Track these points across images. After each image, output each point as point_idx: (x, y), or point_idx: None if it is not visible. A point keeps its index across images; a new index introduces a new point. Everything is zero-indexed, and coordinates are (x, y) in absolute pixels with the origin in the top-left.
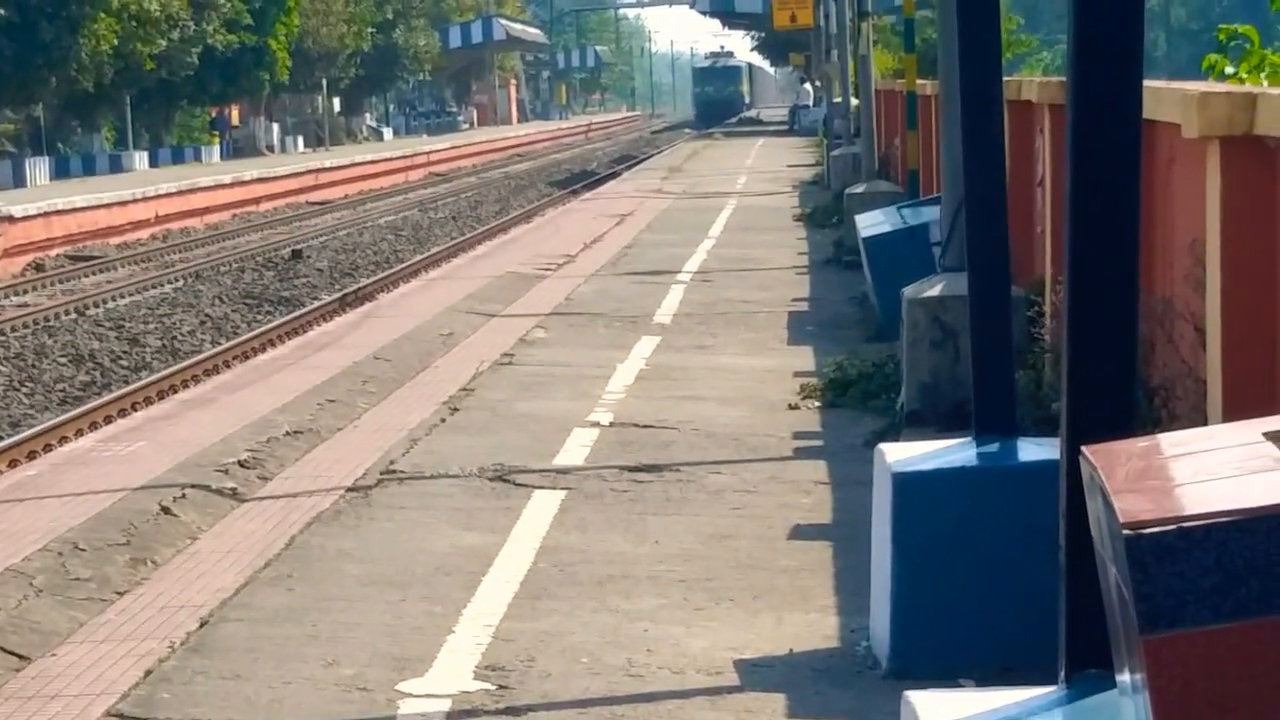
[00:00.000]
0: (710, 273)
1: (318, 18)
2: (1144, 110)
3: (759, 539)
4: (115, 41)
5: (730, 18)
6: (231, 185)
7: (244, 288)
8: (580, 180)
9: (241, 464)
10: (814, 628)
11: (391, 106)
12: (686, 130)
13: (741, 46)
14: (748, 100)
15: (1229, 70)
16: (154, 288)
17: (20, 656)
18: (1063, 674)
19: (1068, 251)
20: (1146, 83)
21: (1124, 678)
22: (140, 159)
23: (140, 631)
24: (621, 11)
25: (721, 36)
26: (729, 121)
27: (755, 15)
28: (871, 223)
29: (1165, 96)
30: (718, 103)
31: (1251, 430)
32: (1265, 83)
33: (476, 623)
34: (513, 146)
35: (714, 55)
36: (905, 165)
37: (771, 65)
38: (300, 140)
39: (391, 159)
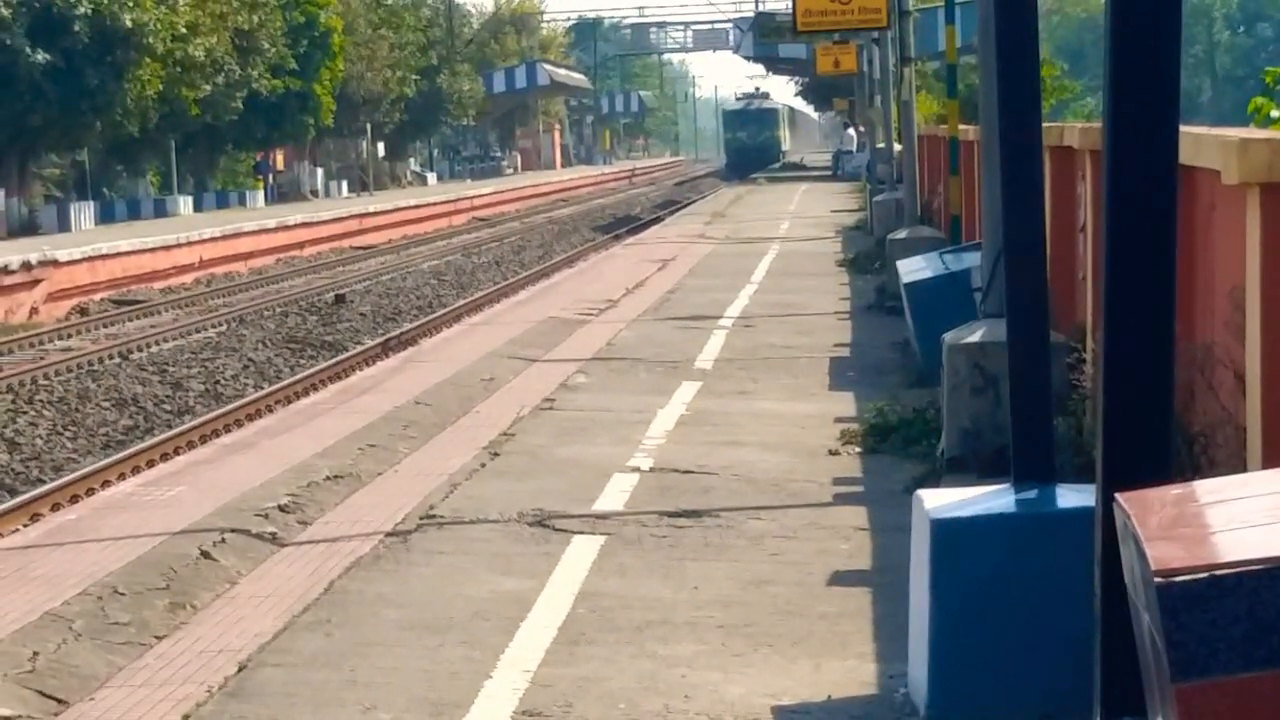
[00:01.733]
0: (752, 318)
1: (362, 63)
2: (1184, 156)
3: (798, 585)
4: (160, 86)
5: (774, 63)
6: (275, 230)
7: (287, 332)
8: (624, 225)
9: (281, 508)
10: (852, 674)
11: (435, 151)
12: (712, 180)
13: (785, 91)
14: (785, 146)
15: (1275, 114)
16: (197, 332)
17: (59, 700)
18: None
19: (1105, 297)
20: (1187, 129)
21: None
22: (185, 203)
23: (178, 676)
24: (666, 57)
25: (760, 79)
26: (767, 170)
27: (799, 60)
28: (913, 268)
29: (1206, 143)
30: (751, 150)
31: None
32: None
33: (514, 668)
34: (556, 191)
35: (747, 96)
36: (948, 211)
37: (815, 110)
38: (344, 185)
39: (435, 204)
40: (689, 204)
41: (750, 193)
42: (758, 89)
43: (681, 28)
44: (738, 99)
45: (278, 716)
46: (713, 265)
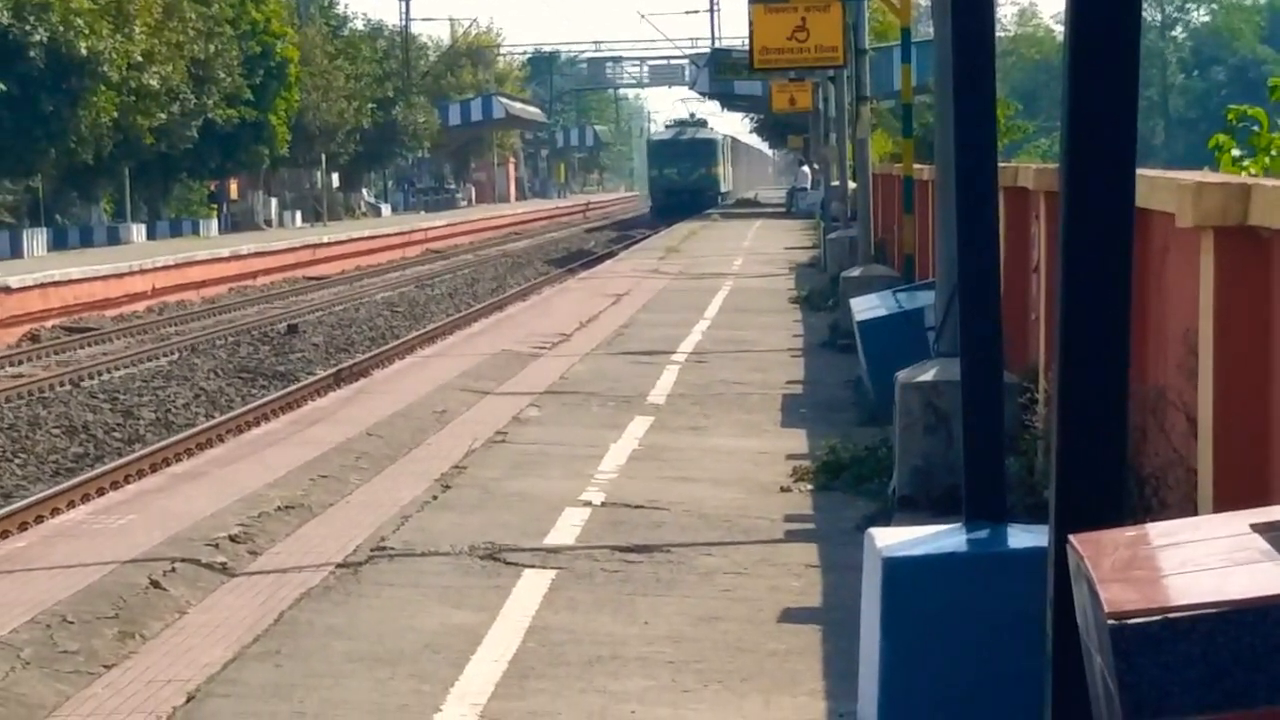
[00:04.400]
0: (705, 354)
1: (318, 93)
2: (1139, 199)
3: (748, 621)
4: (115, 114)
5: (729, 99)
6: (228, 259)
7: (239, 362)
8: (577, 259)
9: (232, 538)
10: (802, 711)
11: (390, 183)
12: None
13: (740, 126)
14: (725, 186)
15: (1236, 152)
16: (149, 360)
17: None
18: None
19: (1058, 338)
20: (1142, 171)
21: None
22: (138, 231)
23: (126, 706)
24: (622, 92)
25: (716, 116)
26: (708, 212)
27: (754, 97)
28: (867, 306)
29: (1160, 185)
30: (681, 191)
31: (1239, 521)
32: (1260, 171)
33: (464, 701)
34: (510, 225)
35: (678, 124)
36: (902, 250)
37: (770, 147)
38: (298, 215)
39: (389, 235)
40: (644, 239)
41: (704, 228)
42: (692, 115)
43: (637, 63)
44: (667, 126)
45: None
46: (666, 300)
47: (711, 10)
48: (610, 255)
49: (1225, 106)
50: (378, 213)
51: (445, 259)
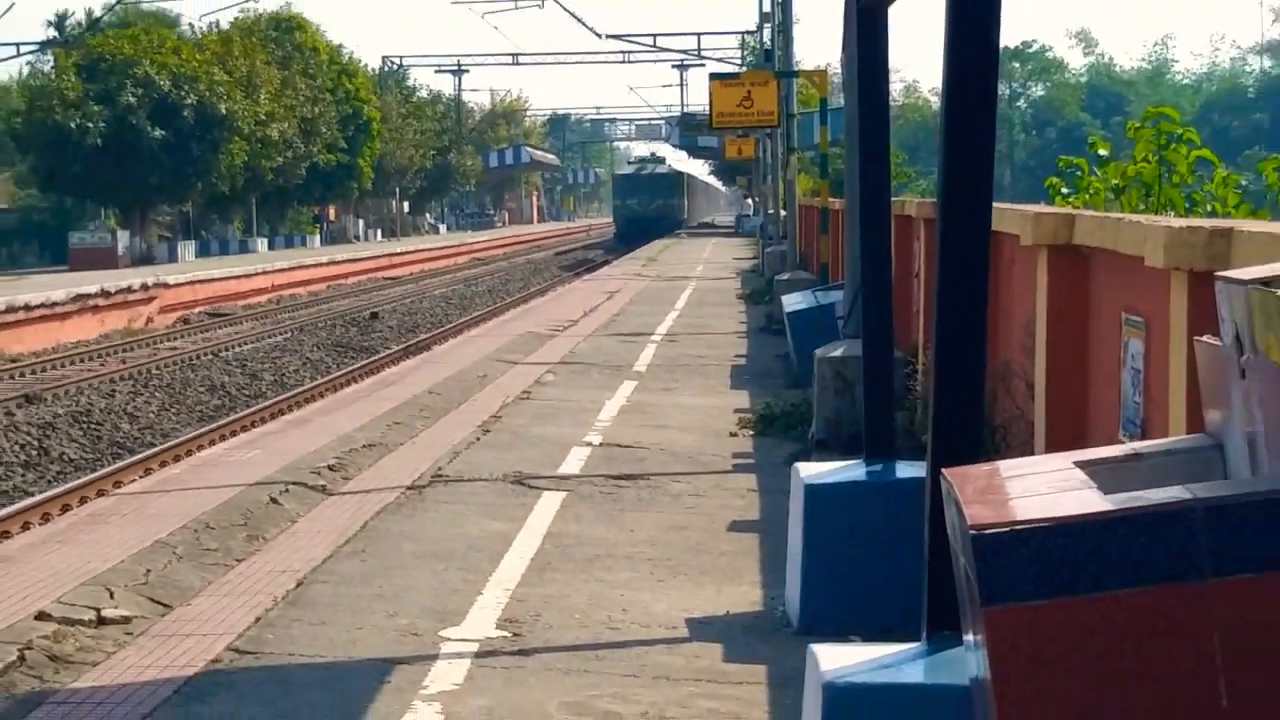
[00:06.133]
0: (675, 335)
1: (393, 143)
2: (994, 224)
3: (706, 530)
4: (245, 158)
5: (693, 150)
6: (327, 264)
7: (335, 339)
8: (582, 266)
9: (329, 468)
10: (745, 596)
11: (445, 209)
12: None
13: (702, 170)
14: (684, 215)
15: (1064, 190)
16: (269, 337)
17: (165, 605)
18: (925, 634)
19: (934, 325)
20: (996, 205)
21: (969, 637)
22: (261, 243)
23: (253, 589)
24: (616, 143)
25: (683, 163)
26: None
27: (712, 148)
28: (793, 301)
29: (1009, 215)
30: (643, 220)
31: (1065, 460)
32: (1081, 205)
33: (499, 587)
34: (533, 241)
35: (640, 161)
36: (819, 260)
37: (724, 184)
38: (379, 232)
39: (444, 247)
40: (630, 251)
41: (675, 244)
42: (652, 154)
43: (627, 123)
44: (630, 163)
45: (325, 620)
46: (647, 296)
47: (681, 85)
48: (606, 263)
49: (1057, 157)
50: (436, 231)
51: (485, 265)
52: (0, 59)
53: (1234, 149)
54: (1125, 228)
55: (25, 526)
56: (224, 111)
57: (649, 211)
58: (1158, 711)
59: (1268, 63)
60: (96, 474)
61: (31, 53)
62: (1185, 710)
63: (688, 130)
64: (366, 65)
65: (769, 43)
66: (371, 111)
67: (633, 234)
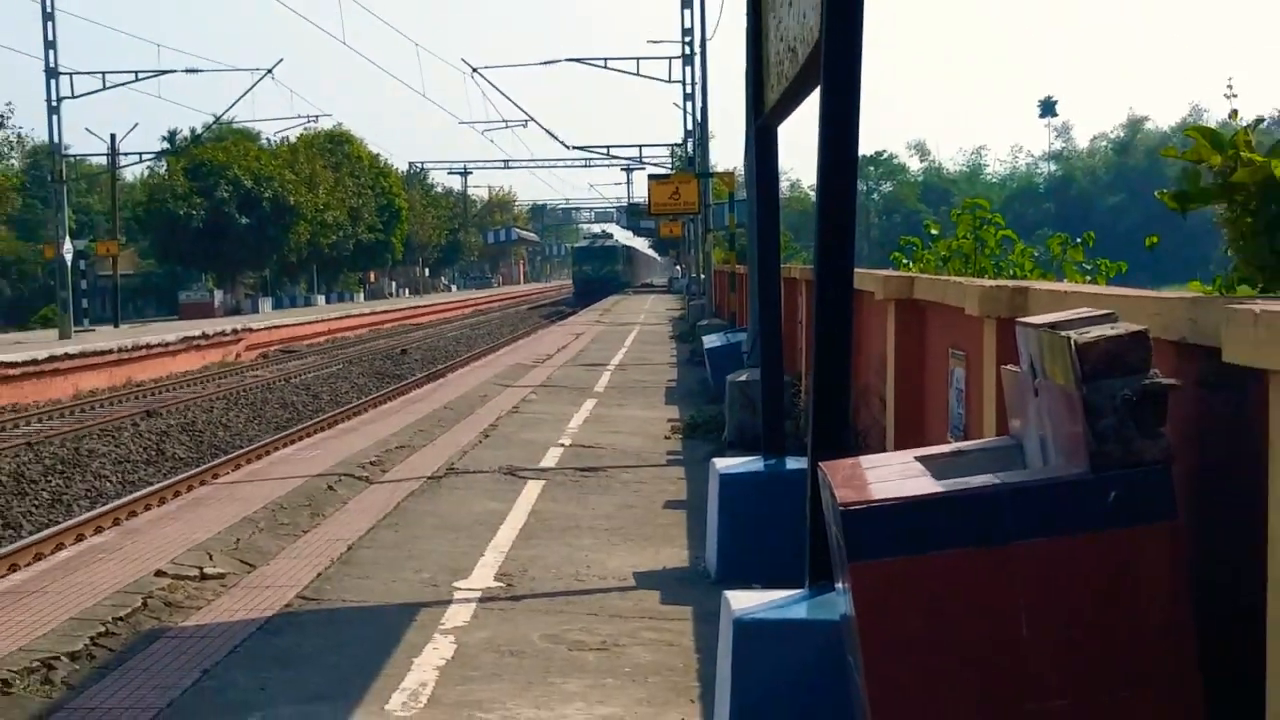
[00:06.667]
0: (625, 365)
1: (417, 225)
2: (856, 284)
3: (647, 508)
4: (308, 236)
5: (638, 230)
6: (369, 314)
7: (375, 368)
8: (556, 314)
9: (371, 463)
10: (676, 556)
11: (456, 273)
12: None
13: (643, 243)
14: (627, 279)
15: (905, 261)
16: (326, 368)
17: (250, 565)
18: (807, 582)
19: (813, 357)
20: (857, 270)
21: (839, 585)
22: (320, 299)
23: (315, 552)
24: (580, 225)
25: (631, 239)
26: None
27: (651, 228)
28: (711, 340)
29: (867, 278)
30: (594, 281)
31: (907, 455)
32: (919, 270)
33: (496, 550)
34: (520, 297)
35: (592, 237)
36: (729, 310)
37: (660, 255)
38: (407, 290)
39: (455, 302)
40: (593, 304)
41: (623, 299)
42: (603, 230)
43: (589, 210)
44: (584, 239)
45: (369, 574)
46: (603, 337)
47: (628, 183)
48: (574, 313)
49: (900, 236)
50: (449, 289)
51: (484, 315)
52: (127, 164)
53: (1029, 230)
54: (950, 286)
55: (147, 507)
56: (292, 203)
57: (600, 274)
58: (974, 638)
59: (1053, 167)
60: (199, 469)
61: (152, 158)
62: (994, 637)
63: (632, 215)
64: (397, 168)
65: (691, 152)
66: (401, 202)
67: (588, 292)
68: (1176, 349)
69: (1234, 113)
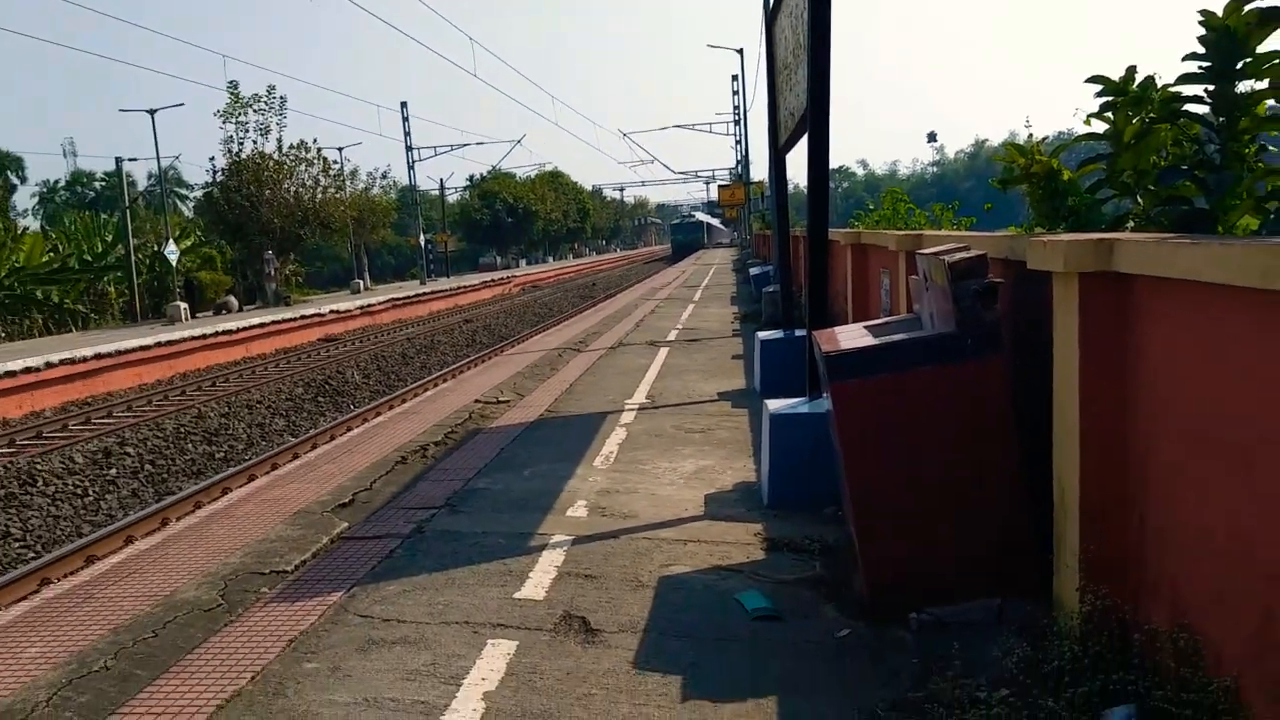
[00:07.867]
0: (710, 286)
1: (597, 218)
2: (830, 236)
3: (723, 359)
4: (542, 227)
5: (712, 212)
6: (576, 266)
7: (580, 293)
8: (664, 262)
9: (580, 342)
10: (738, 383)
11: (619, 244)
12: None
13: (715, 221)
14: (705, 243)
15: (855, 224)
16: (553, 295)
17: (520, 395)
18: (808, 394)
19: (807, 275)
20: (830, 229)
21: (824, 395)
22: (550, 260)
23: (552, 388)
24: (684, 214)
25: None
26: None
27: (720, 213)
28: (754, 270)
29: (835, 233)
30: (685, 244)
31: (859, 326)
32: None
33: (645, 384)
34: (648, 254)
35: (681, 217)
36: (762, 254)
37: (725, 225)
38: (594, 253)
39: (619, 258)
40: (680, 260)
41: (704, 254)
42: (690, 211)
43: (687, 205)
44: (676, 216)
45: (580, 399)
46: (697, 272)
47: (707, 189)
48: (679, 261)
49: (854, 211)
50: (615, 251)
51: (633, 264)
52: (451, 193)
53: (922, 203)
54: (881, 235)
55: (471, 366)
56: (533, 210)
57: (687, 241)
58: (896, 421)
59: (935, 169)
60: (494, 346)
61: (463, 189)
62: (906, 421)
63: (711, 206)
64: (586, 188)
65: (740, 171)
66: (588, 206)
67: (679, 253)
68: (1004, 263)
69: (1030, 134)
